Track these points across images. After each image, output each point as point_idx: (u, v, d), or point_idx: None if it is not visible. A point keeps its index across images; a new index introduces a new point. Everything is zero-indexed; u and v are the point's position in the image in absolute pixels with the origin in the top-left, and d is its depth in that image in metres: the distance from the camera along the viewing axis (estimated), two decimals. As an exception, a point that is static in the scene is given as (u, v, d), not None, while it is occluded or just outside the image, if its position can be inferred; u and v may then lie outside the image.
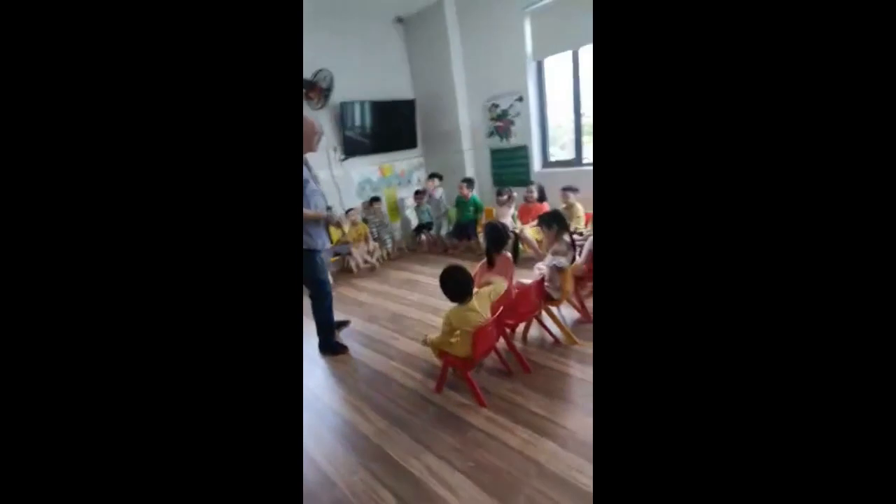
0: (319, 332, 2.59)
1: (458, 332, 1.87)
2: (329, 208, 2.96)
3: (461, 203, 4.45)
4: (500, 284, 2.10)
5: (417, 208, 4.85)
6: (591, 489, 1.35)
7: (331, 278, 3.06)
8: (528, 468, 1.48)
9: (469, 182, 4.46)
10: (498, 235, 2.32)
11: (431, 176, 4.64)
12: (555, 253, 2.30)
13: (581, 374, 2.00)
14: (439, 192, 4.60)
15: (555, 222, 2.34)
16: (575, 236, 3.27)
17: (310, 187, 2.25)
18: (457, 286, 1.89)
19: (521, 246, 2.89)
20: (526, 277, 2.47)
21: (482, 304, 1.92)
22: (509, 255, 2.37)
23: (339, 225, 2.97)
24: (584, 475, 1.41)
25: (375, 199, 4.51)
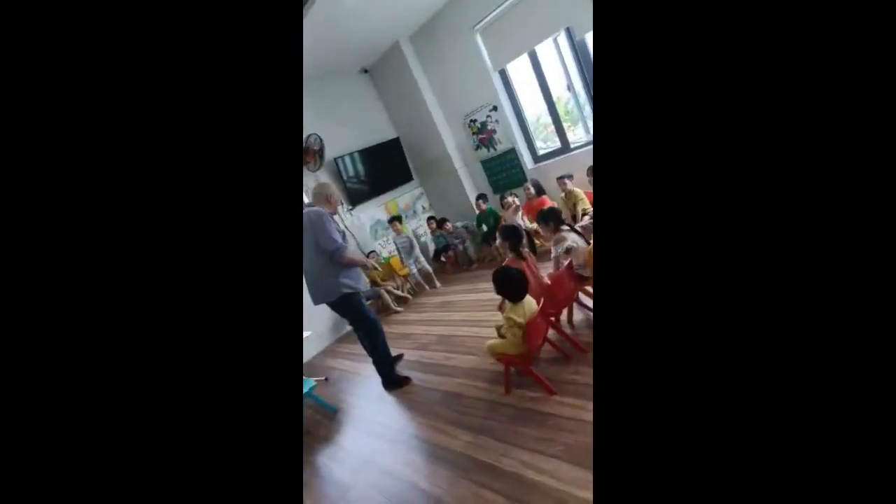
0: (382, 369, 2.72)
1: (510, 332, 1.99)
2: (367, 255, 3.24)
3: (481, 218, 4.65)
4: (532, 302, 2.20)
5: (433, 233, 5.04)
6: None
7: None
8: (613, 435, 1.57)
9: (483, 197, 4.68)
10: (512, 232, 2.50)
11: (442, 220, 4.86)
12: (557, 242, 2.47)
13: (634, 339, 2.09)
14: (456, 226, 4.81)
15: (550, 219, 2.54)
16: (585, 218, 3.42)
17: (345, 242, 2.49)
18: (514, 283, 2.02)
19: (536, 241, 3.06)
20: (544, 269, 2.60)
21: (532, 304, 2.05)
22: (528, 249, 2.51)
23: (375, 268, 3.16)
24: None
25: (396, 219, 4.68)
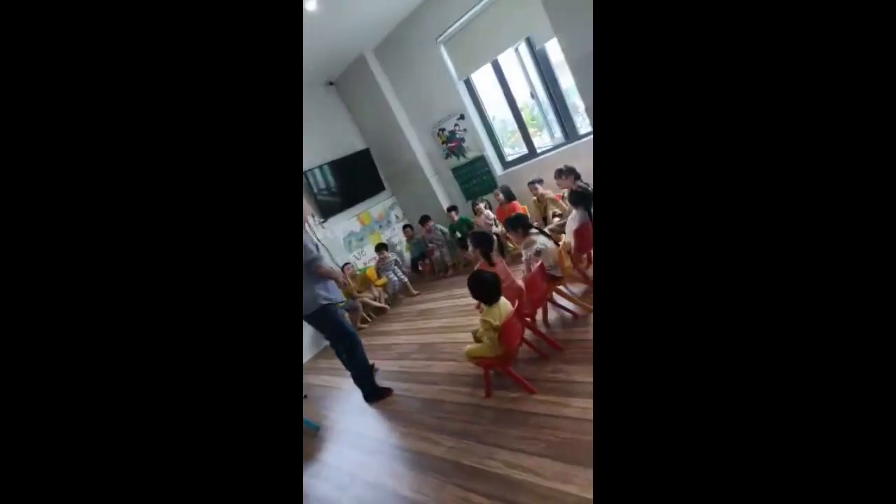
0: (363, 382, 2.69)
1: (486, 335, 2.02)
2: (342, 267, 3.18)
3: (454, 227, 4.70)
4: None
5: (409, 241, 5.05)
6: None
7: None
8: (591, 430, 1.61)
9: (454, 209, 4.74)
10: (483, 238, 2.55)
11: (424, 219, 4.81)
12: (527, 245, 2.55)
13: (607, 334, 2.16)
14: (436, 228, 4.81)
15: (518, 225, 2.64)
16: (555, 220, 3.52)
17: (320, 253, 2.49)
18: (488, 287, 2.07)
19: (506, 244, 3.14)
20: (518, 273, 2.67)
21: (507, 306, 2.09)
22: (500, 254, 2.57)
23: (346, 284, 3.12)
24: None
25: (382, 246, 4.70)
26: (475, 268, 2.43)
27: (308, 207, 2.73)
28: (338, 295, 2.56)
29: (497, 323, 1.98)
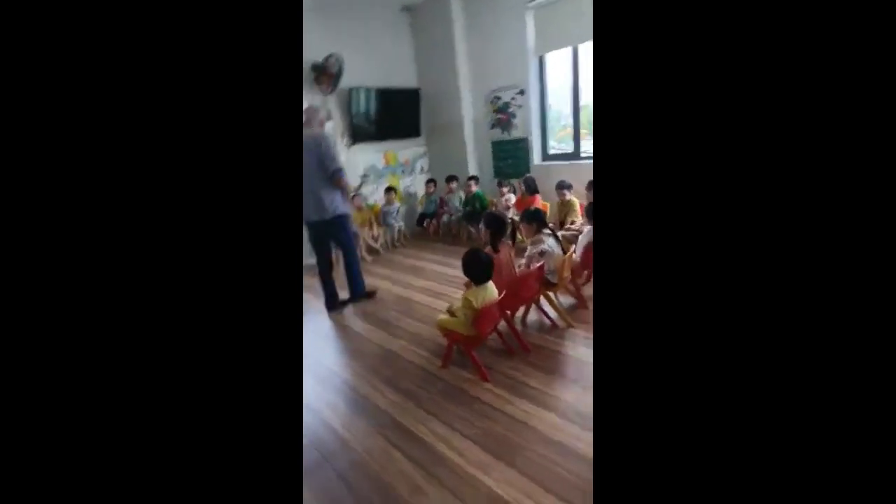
0: (358, 280, 3.04)
1: (461, 311, 2.02)
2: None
3: (467, 200, 4.62)
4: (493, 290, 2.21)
5: (426, 196, 4.98)
6: (588, 453, 1.51)
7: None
8: (528, 435, 1.64)
9: (475, 179, 4.63)
10: (499, 224, 2.47)
11: (450, 178, 4.73)
12: (534, 243, 2.52)
13: (576, 354, 2.16)
14: (460, 194, 4.73)
15: (534, 220, 2.59)
16: (573, 228, 3.45)
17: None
18: (481, 266, 2.06)
19: (518, 234, 3.08)
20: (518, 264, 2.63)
21: (493, 291, 2.07)
22: (510, 242, 2.52)
23: (360, 207, 3.37)
24: (581, 442, 1.57)
25: (392, 190, 4.62)
26: (482, 247, 2.39)
27: (338, 125, 2.85)
28: (349, 209, 2.85)
29: (477, 305, 1.97)
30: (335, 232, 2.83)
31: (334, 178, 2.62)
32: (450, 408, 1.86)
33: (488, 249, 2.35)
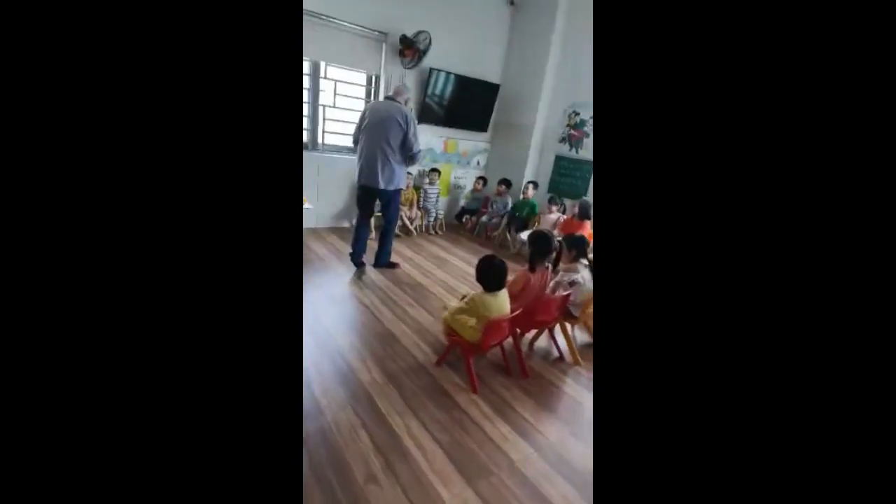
0: (387, 251, 3.29)
1: (474, 318, 1.95)
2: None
3: (518, 204, 4.51)
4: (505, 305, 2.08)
5: (473, 192, 4.92)
6: (555, 498, 1.42)
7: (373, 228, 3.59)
8: (499, 461, 1.56)
9: (534, 184, 4.51)
10: (544, 242, 2.29)
11: (505, 182, 4.64)
12: (568, 270, 2.39)
13: (574, 393, 2.04)
14: (508, 199, 4.64)
15: (575, 247, 2.42)
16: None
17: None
18: (494, 275, 1.97)
19: (560, 260, 2.92)
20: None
21: (504, 303, 1.99)
22: (549, 266, 2.36)
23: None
24: (550, 484, 1.48)
25: (434, 171, 4.58)
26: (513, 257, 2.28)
27: (412, 105, 3.16)
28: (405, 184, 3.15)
29: (487, 314, 1.90)
30: (388, 202, 3.00)
31: (415, 158, 2.92)
32: (430, 407, 1.81)
33: (525, 268, 2.24)
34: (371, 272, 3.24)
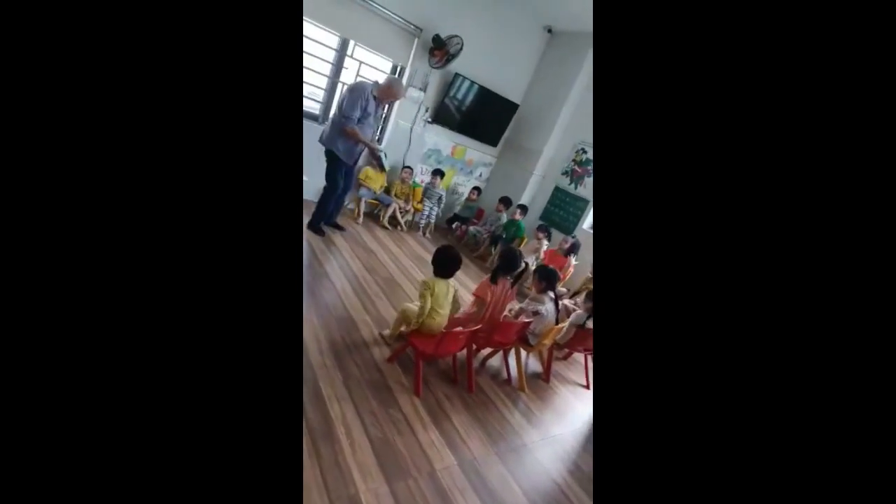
0: (314, 216, 3.43)
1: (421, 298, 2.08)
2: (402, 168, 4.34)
3: (508, 223, 4.59)
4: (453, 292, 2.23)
5: (467, 201, 4.98)
6: (460, 512, 1.48)
7: (357, 199, 4.02)
8: (422, 466, 1.61)
9: (523, 209, 4.60)
10: (510, 259, 2.45)
11: (505, 201, 4.68)
12: (533, 300, 2.49)
13: (510, 417, 2.11)
14: (504, 217, 4.70)
15: (545, 279, 2.53)
16: (578, 299, 3.35)
17: (367, 120, 3.19)
18: (444, 263, 2.15)
19: (521, 280, 3.01)
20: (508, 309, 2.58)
21: (450, 296, 2.15)
22: (510, 280, 2.43)
23: (373, 153, 3.55)
24: (462, 497, 1.54)
25: (439, 173, 4.62)
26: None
27: (400, 94, 3.36)
28: (347, 157, 3.26)
29: (430, 297, 2.07)
30: (327, 162, 3.29)
31: (338, 125, 3.13)
32: (370, 400, 1.85)
33: (486, 278, 2.33)
34: (350, 261, 3.28)
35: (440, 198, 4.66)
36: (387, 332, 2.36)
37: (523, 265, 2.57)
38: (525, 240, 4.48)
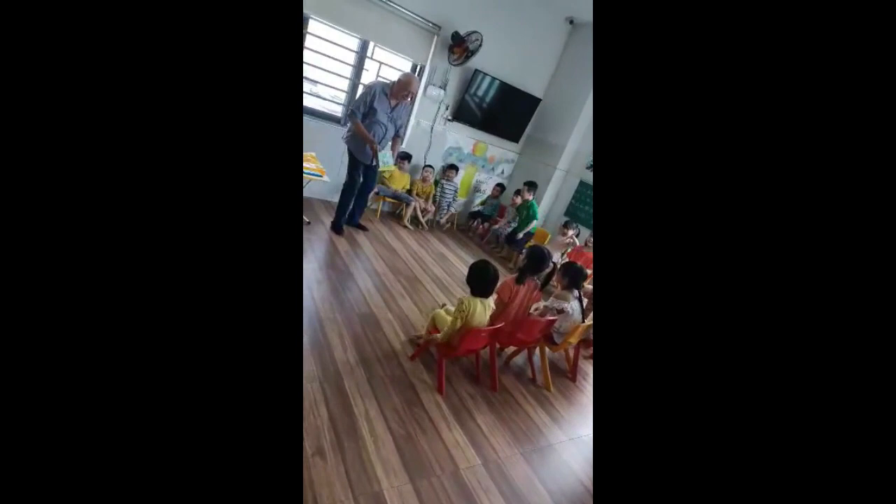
0: (336, 216, 3.53)
1: (457, 319, 1.99)
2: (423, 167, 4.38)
3: (520, 208, 4.51)
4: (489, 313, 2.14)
5: (489, 198, 4.94)
6: (484, 511, 1.46)
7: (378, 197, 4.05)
8: (445, 465, 1.60)
9: (531, 186, 4.49)
10: (539, 259, 2.33)
11: (529, 184, 4.60)
12: (558, 297, 2.42)
13: (535, 416, 2.07)
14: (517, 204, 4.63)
15: (568, 275, 2.44)
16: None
17: (375, 118, 3.15)
18: (483, 282, 2.03)
19: (551, 281, 2.93)
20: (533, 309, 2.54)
21: (486, 316, 2.03)
22: (537, 281, 2.36)
23: (372, 148, 3.39)
24: (486, 497, 1.51)
25: (452, 168, 4.60)
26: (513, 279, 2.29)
27: (414, 91, 3.29)
28: (361, 154, 3.28)
29: (465, 310, 1.97)
30: (349, 158, 3.36)
31: (347, 118, 3.25)
32: (393, 398, 1.85)
33: (510, 278, 2.28)
34: (374, 260, 3.31)
35: (454, 192, 4.64)
36: (419, 334, 2.33)
37: (551, 265, 2.47)
38: (548, 236, 4.40)
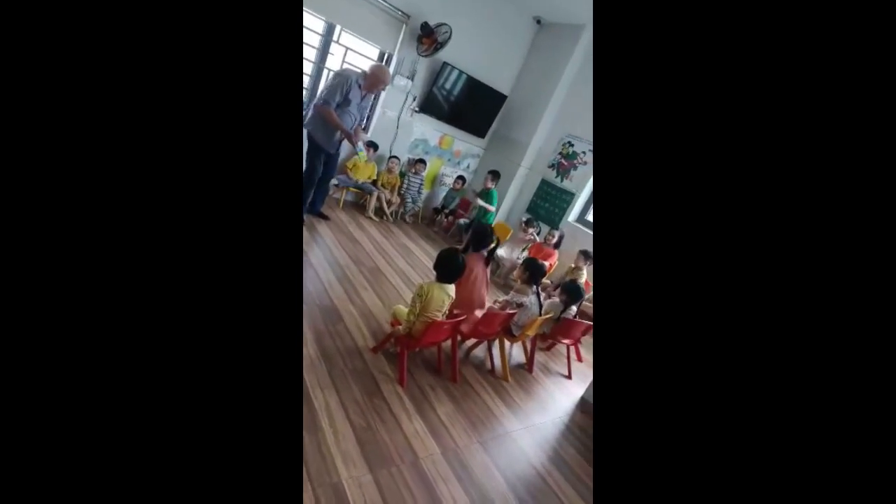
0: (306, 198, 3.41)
1: (413, 302, 2.03)
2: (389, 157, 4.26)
3: (482, 193, 4.56)
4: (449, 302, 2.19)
5: (452, 191, 4.97)
6: (457, 497, 1.50)
7: (336, 185, 4.03)
8: (405, 455, 1.63)
9: (495, 175, 4.56)
10: (482, 235, 2.53)
11: (493, 173, 4.64)
12: (519, 291, 2.54)
13: (493, 406, 2.14)
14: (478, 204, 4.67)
15: (529, 271, 2.57)
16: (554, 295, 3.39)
17: (348, 109, 3.13)
18: (451, 269, 2.08)
19: (493, 258, 3.04)
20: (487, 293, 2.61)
21: (445, 306, 2.09)
22: (485, 254, 2.54)
23: (350, 139, 3.35)
24: (446, 486, 1.56)
25: (420, 162, 4.59)
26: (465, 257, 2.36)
27: (385, 82, 3.26)
28: (324, 142, 3.19)
29: (423, 294, 1.99)
30: (308, 145, 3.23)
31: (316, 106, 3.12)
32: (354, 390, 1.85)
33: (473, 255, 2.39)
34: (335, 251, 3.26)
35: (419, 187, 4.63)
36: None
37: (496, 240, 2.64)
38: (510, 232, 4.50)
